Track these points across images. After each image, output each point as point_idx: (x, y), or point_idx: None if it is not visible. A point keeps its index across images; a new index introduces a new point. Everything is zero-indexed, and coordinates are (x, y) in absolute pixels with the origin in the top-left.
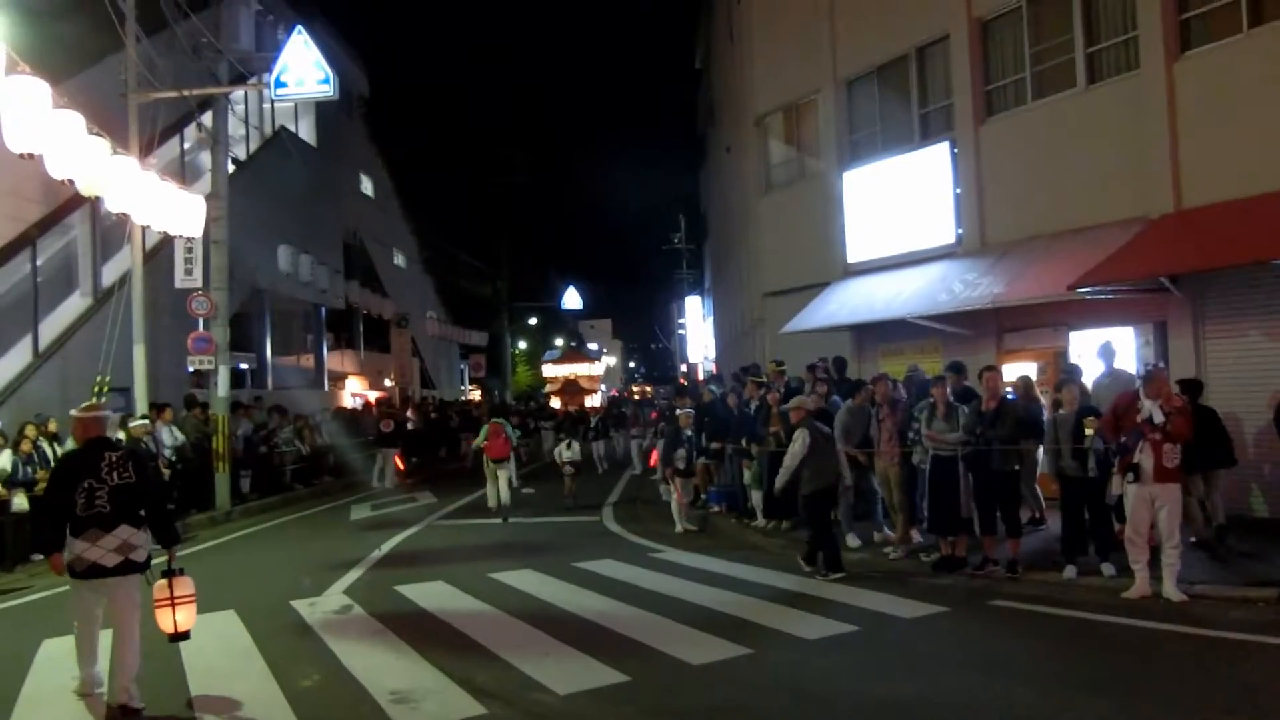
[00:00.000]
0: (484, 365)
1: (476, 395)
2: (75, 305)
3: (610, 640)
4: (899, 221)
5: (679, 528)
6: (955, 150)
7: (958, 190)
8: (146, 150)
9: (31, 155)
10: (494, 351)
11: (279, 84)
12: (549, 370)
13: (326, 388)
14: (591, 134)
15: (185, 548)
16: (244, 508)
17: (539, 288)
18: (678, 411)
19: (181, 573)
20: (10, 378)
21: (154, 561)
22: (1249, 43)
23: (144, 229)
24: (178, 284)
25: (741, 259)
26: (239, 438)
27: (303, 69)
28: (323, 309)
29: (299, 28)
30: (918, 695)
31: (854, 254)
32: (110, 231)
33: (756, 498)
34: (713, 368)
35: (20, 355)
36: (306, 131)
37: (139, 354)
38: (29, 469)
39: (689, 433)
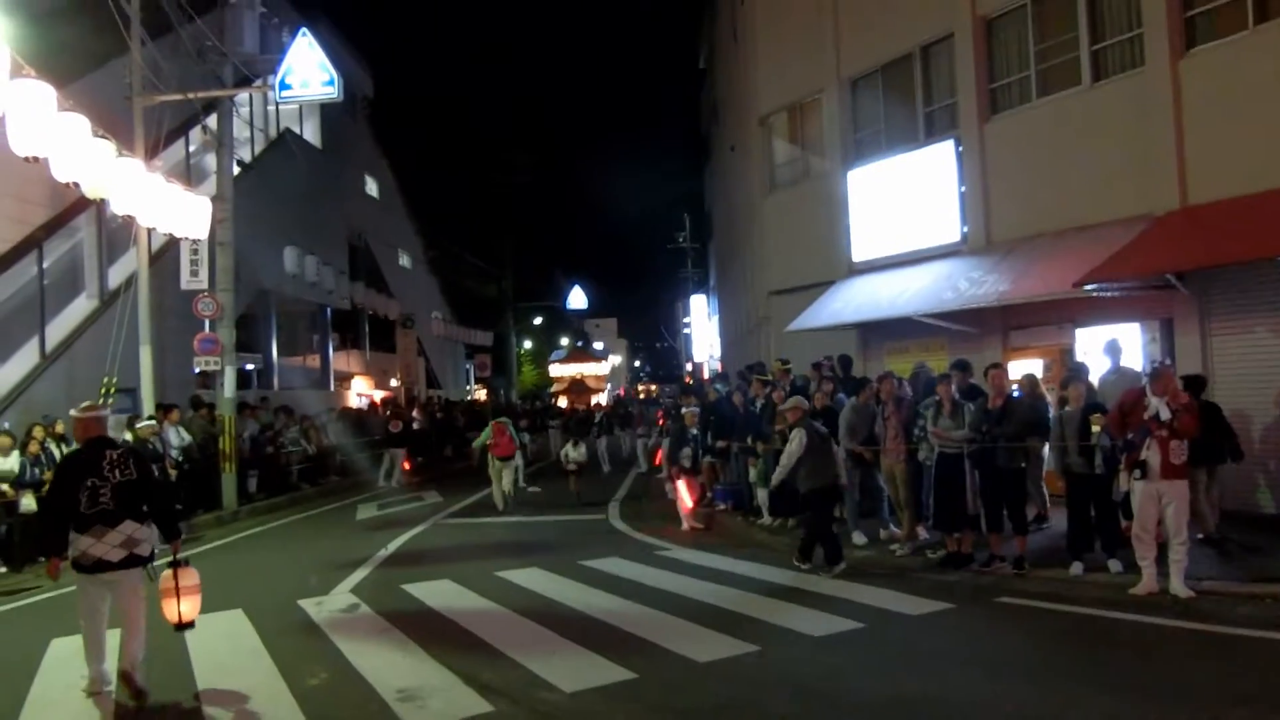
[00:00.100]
0: (489, 365)
1: (482, 395)
2: (82, 307)
3: (616, 638)
4: (904, 220)
5: (685, 525)
6: (960, 148)
7: (963, 188)
8: (152, 153)
9: (37, 158)
10: (499, 351)
11: (283, 86)
12: (556, 370)
13: (332, 388)
14: (596, 134)
15: (193, 548)
16: (251, 508)
17: (544, 287)
18: (683, 410)
19: (186, 564)
20: (17, 380)
21: (158, 559)
22: (1254, 39)
23: (150, 231)
24: (183, 285)
25: (746, 258)
26: (245, 438)
27: (307, 71)
28: (328, 309)
29: (303, 30)
30: (924, 692)
31: (859, 252)
32: (116, 234)
33: (762, 496)
34: (718, 366)
35: (27, 357)
36: (311, 133)
37: (145, 355)
38: (36, 470)
39: (694, 431)
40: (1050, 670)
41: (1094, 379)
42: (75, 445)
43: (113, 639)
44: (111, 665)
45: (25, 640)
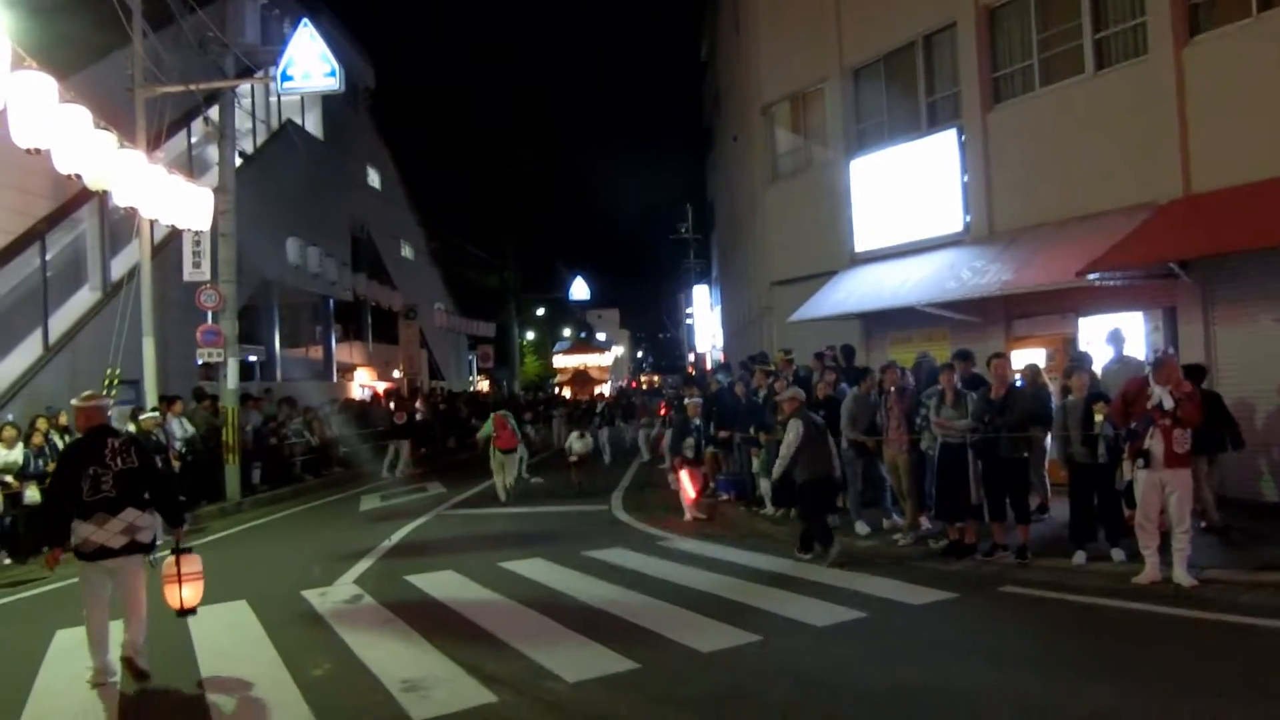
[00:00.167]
0: (492, 356)
1: (485, 386)
2: (85, 299)
3: (620, 628)
4: (906, 209)
5: (687, 516)
6: (963, 138)
7: (965, 178)
8: (154, 144)
9: (39, 150)
10: (502, 342)
11: (285, 77)
12: (559, 361)
13: (335, 379)
14: (598, 125)
15: (197, 539)
16: (254, 499)
17: (546, 278)
18: (686, 401)
19: (189, 551)
20: (21, 371)
21: (161, 547)
22: (1259, 26)
23: (152, 223)
24: (186, 277)
25: (749, 248)
26: (249, 430)
27: (308, 62)
28: (331, 301)
29: (304, 20)
30: (927, 682)
31: (861, 242)
32: (119, 225)
33: (765, 486)
34: (720, 357)
35: (31, 349)
36: (313, 124)
37: (148, 347)
38: (40, 462)
39: (697, 422)
40: (1053, 659)
41: (1097, 368)
42: (77, 435)
43: (116, 631)
44: (115, 656)
45: (30, 632)
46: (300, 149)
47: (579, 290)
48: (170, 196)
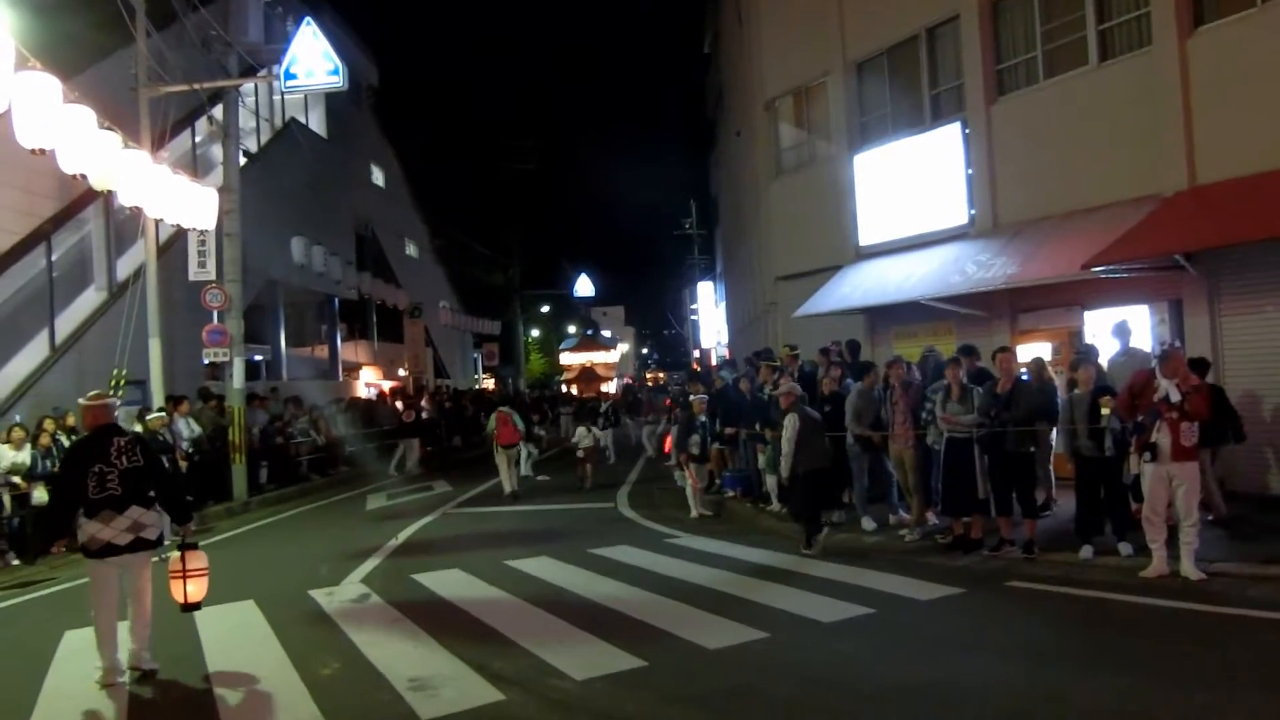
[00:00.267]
0: (497, 354)
1: (490, 384)
2: (90, 299)
3: (626, 625)
4: (911, 203)
5: (694, 513)
6: (967, 131)
7: (969, 171)
8: (158, 144)
9: (43, 151)
10: (507, 340)
11: (289, 76)
12: (566, 358)
13: (340, 378)
14: (601, 122)
15: (204, 539)
16: (261, 499)
17: (551, 275)
18: (691, 397)
19: (195, 548)
20: (28, 372)
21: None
22: (1262, 17)
23: (157, 222)
24: (191, 277)
25: (753, 243)
26: (255, 430)
27: (312, 60)
28: (336, 300)
29: (307, 19)
30: (934, 678)
31: (866, 237)
32: (124, 226)
33: (771, 482)
34: (725, 353)
35: (37, 350)
36: (317, 123)
37: (154, 347)
38: (48, 463)
39: (703, 418)
40: (1061, 654)
41: (1103, 361)
42: (84, 433)
43: (124, 631)
44: (124, 656)
45: (39, 632)
46: (304, 147)
47: (583, 287)
48: (175, 196)
